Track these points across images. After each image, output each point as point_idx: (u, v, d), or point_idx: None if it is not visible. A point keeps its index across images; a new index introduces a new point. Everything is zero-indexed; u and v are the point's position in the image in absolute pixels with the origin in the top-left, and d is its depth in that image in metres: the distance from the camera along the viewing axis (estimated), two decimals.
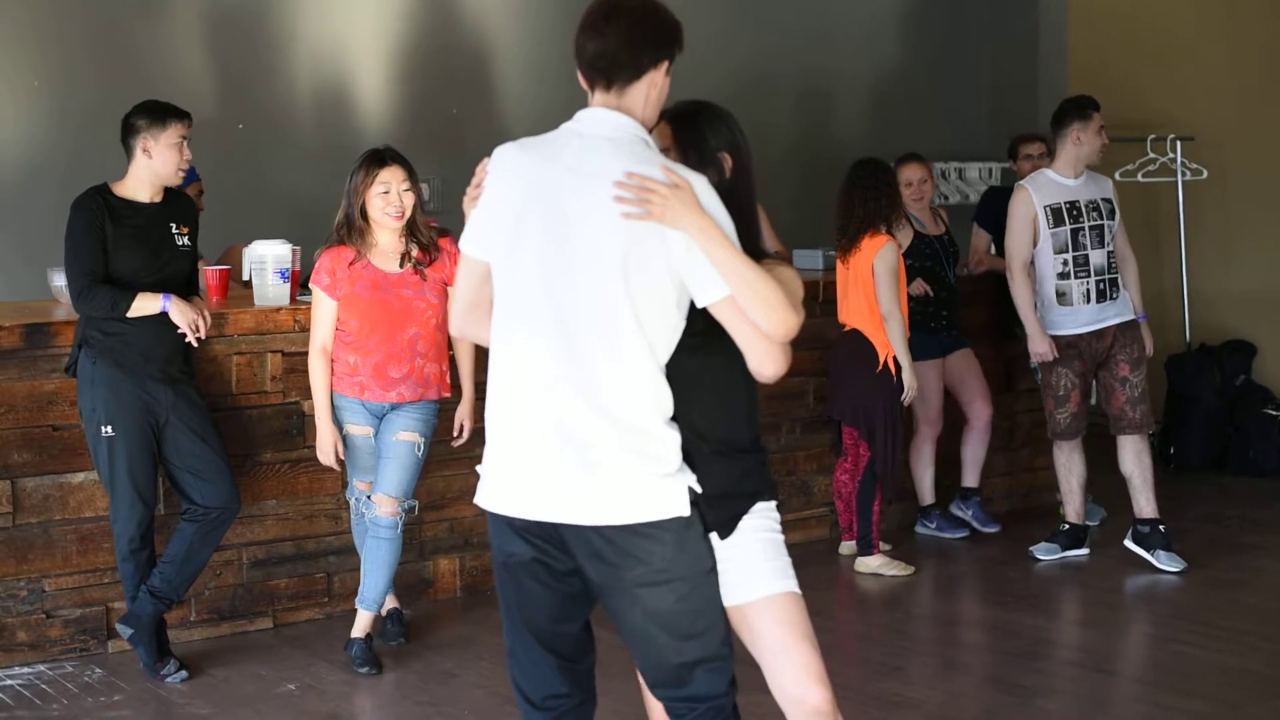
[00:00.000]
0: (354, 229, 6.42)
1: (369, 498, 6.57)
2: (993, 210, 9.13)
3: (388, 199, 6.39)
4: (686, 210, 3.57)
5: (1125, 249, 8.16)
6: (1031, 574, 8.01)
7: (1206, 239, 11.00)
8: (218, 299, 7.13)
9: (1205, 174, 10.72)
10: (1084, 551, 8.16)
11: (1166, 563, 7.87)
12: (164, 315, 6.25)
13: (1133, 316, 8.05)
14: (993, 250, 9.11)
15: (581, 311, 3.60)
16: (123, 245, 6.25)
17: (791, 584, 3.91)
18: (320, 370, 6.46)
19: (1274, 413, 10.29)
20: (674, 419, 3.69)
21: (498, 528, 3.77)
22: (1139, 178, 10.68)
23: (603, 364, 3.59)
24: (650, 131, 3.77)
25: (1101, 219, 8.01)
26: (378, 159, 6.44)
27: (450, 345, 6.65)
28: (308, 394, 6.95)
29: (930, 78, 11.38)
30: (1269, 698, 6.15)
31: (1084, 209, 7.99)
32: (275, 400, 6.98)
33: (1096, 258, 7.98)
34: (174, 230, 6.38)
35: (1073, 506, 8.20)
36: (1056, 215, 7.98)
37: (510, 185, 3.72)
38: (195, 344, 6.37)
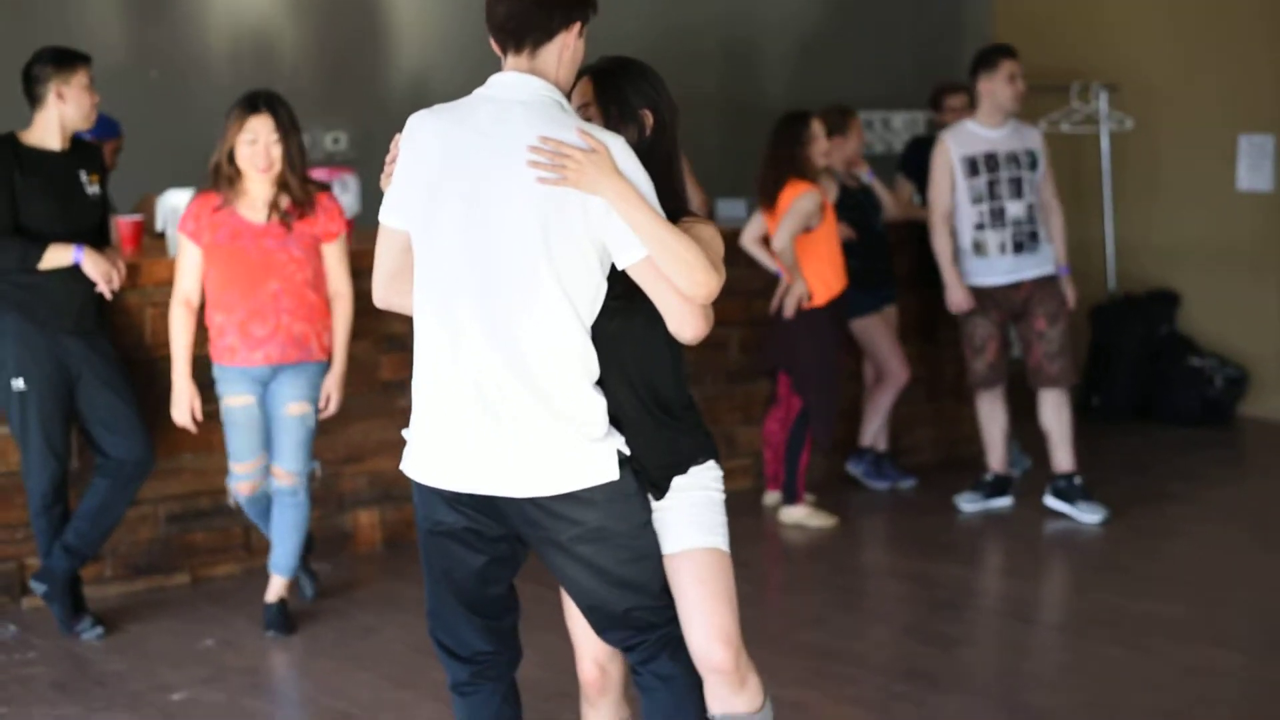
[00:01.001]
0: (222, 176, 6.19)
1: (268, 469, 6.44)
2: (916, 160, 9.13)
3: (254, 149, 6.15)
4: (602, 174, 3.53)
5: (1051, 201, 8.13)
6: (954, 524, 8.02)
7: (1131, 189, 11.01)
8: (131, 250, 7.02)
9: (1130, 124, 10.73)
10: (1007, 501, 8.17)
11: (1088, 513, 7.89)
12: (76, 267, 6.14)
13: (1053, 270, 8.03)
14: (916, 199, 9.10)
15: (503, 277, 3.56)
16: (33, 195, 6.14)
17: (715, 540, 3.86)
18: (181, 323, 6.26)
19: (1197, 363, 10.34)
20: (599, 383, 3.67)
21: (424, 496, 3.75)
22: (1063, 127, 10.68)
23: (527, 329, 3.56)
24: (568, 94, 3.72)
25: (1020, 170, 7.98)
26: (250, 105, 6.19)
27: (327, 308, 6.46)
28: None
29: (855, 25, 11.33)
30: (1188, 642, 6.18)
31: (1002, 160, 7.97)
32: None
33: (1014, 209, 7.97)
34: (84, 179, 6.27)
35: (995, 456, 8.22)
36: (973, 166, 7.97)
37: (424, 152, 3.68)
38: (109, 296, 6.26)
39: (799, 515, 7.91)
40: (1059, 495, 8.01)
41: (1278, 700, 5.68)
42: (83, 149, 6.34)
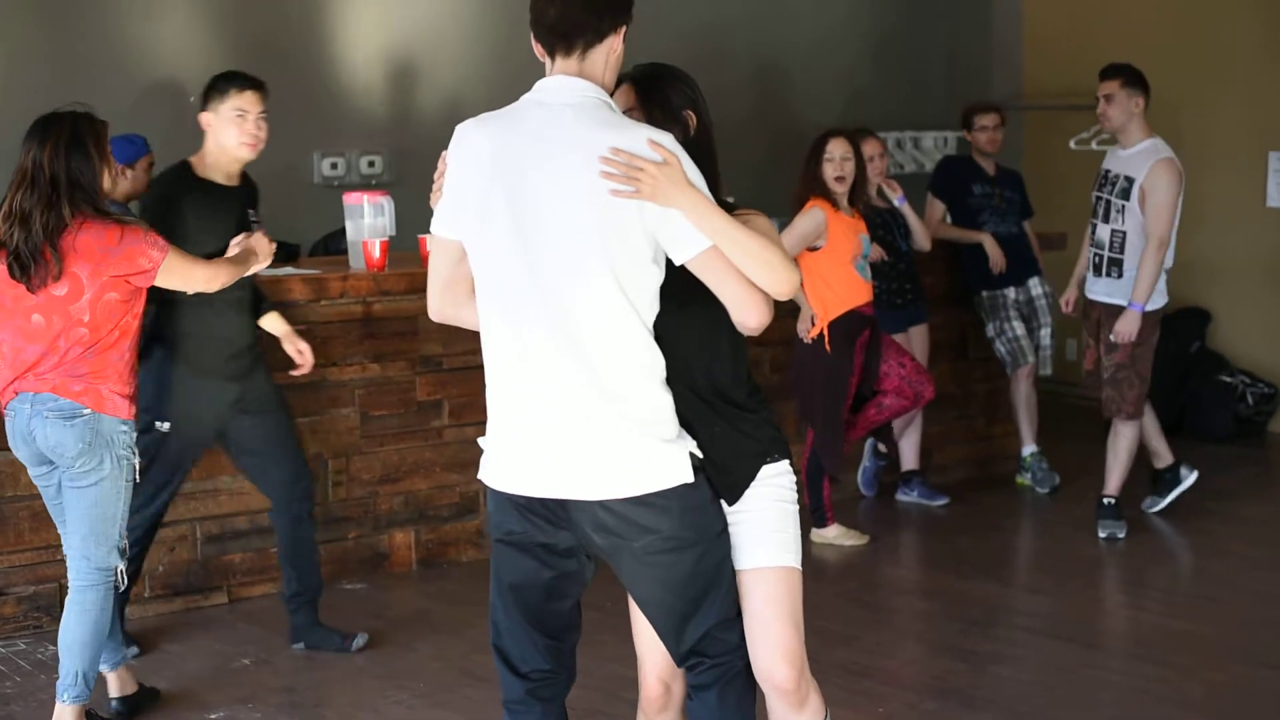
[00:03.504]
0: None
1: None
2: (947, 180, 9.15)
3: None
4: (675, 186, 3.56)
5: (1147, 230, 7.82)
6: (987, 542, 8.03)
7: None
8: None
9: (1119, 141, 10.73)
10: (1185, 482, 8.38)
11: (1101, 529, 7.92)
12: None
13: (1123, 301, 7.88)
14: (948, 219, 9.12)
15: (560, 280, 3.59)
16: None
17: (787, 558, 3.88)
18: None
19: (1228, 379, 10.34)
20: (666, 381, 3.70)
21: (498, 504, 3.77)
22: (1093, 145, 10.68)
23: (590, 332, 3.59)
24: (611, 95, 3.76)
25: (1113, 194, 7.94)
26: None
27: None
28: None
29: (886, 47, 11.37)
30: (1224, 662, 6.19)
31: (1110, 180, 7.98)
32: None
33: (1100, 231, 7.97)
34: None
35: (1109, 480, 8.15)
36: (1099, 180, 8.08)
37: (474, 161, 3.70)
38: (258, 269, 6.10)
39: (831, 535, 7.94)
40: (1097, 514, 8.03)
41: None
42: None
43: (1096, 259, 7.98)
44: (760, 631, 3.85)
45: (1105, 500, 8.02)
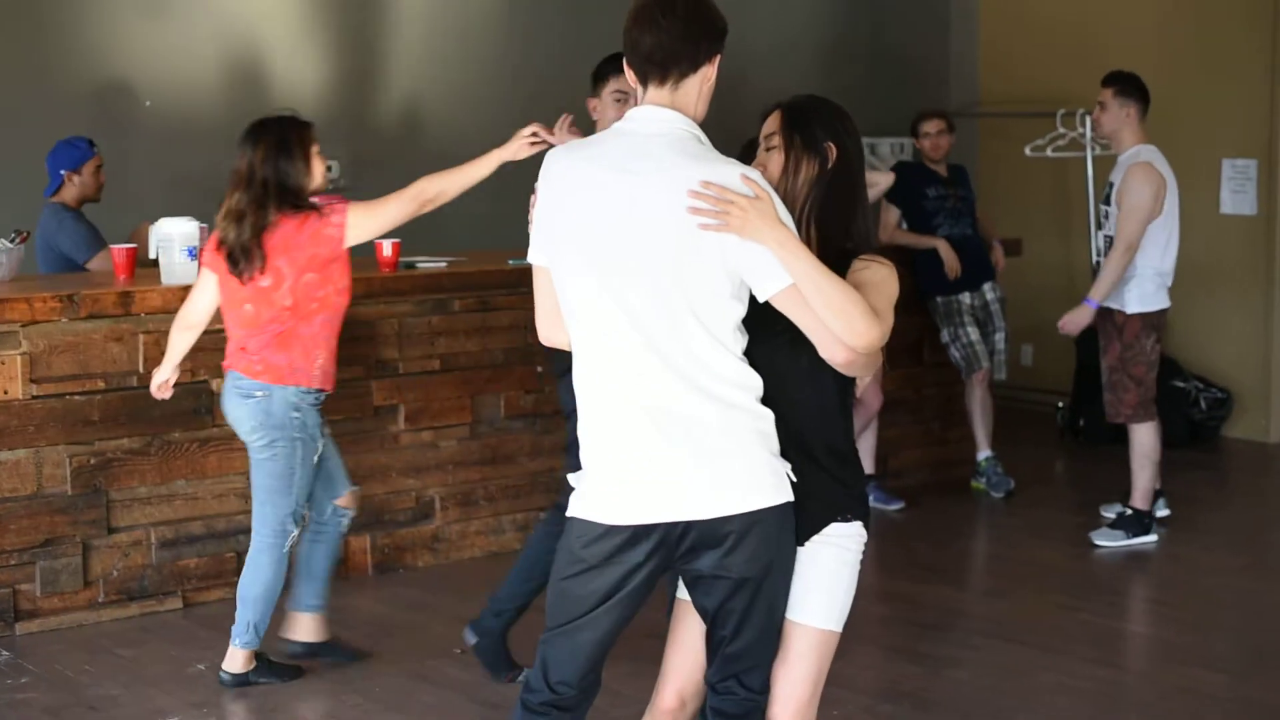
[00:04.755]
0: None
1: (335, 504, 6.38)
2: (900, 184, 9.18)
3: None
4: (765, 223, 3.55)
5: (1116, 231, 7.90)
6: (942, 546, 8.07)
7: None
8: (125, 277, 7.06)
9: (1114, 149, 10.80)
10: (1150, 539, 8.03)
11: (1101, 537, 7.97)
12: None
13: (1112, 305, 7.93)
14: (903, 225, 9.15)
15: (644, 307, 3.59)
16: None
17: (831, 621, 3.86)
18: None
19: (1182, 385, 10.40)
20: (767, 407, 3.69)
21: (599, 534, 3.69)
22: (1048, 152, 10.74)
23: (679, 352, 3.58)
24: (703, 126, 3.76)
25: (1104, 202, 8.04)
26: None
27: None
28: (216, 373, 6.93)
29: (842, 54, 11.40)
30: (1177, 666, 6.23)
31: (1109, 187, 8.06)
32: (184, 379, 6.88)
33: (1098, 239, 8.05)
34: None
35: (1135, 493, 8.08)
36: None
37: (560, 190, 3.72)
38: None
39: None
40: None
41: None
42: None
43: (1095, 265, 8.04)
44: (781, 680, 3.86)
45: (1122, 511, 8.02)
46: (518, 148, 5.81)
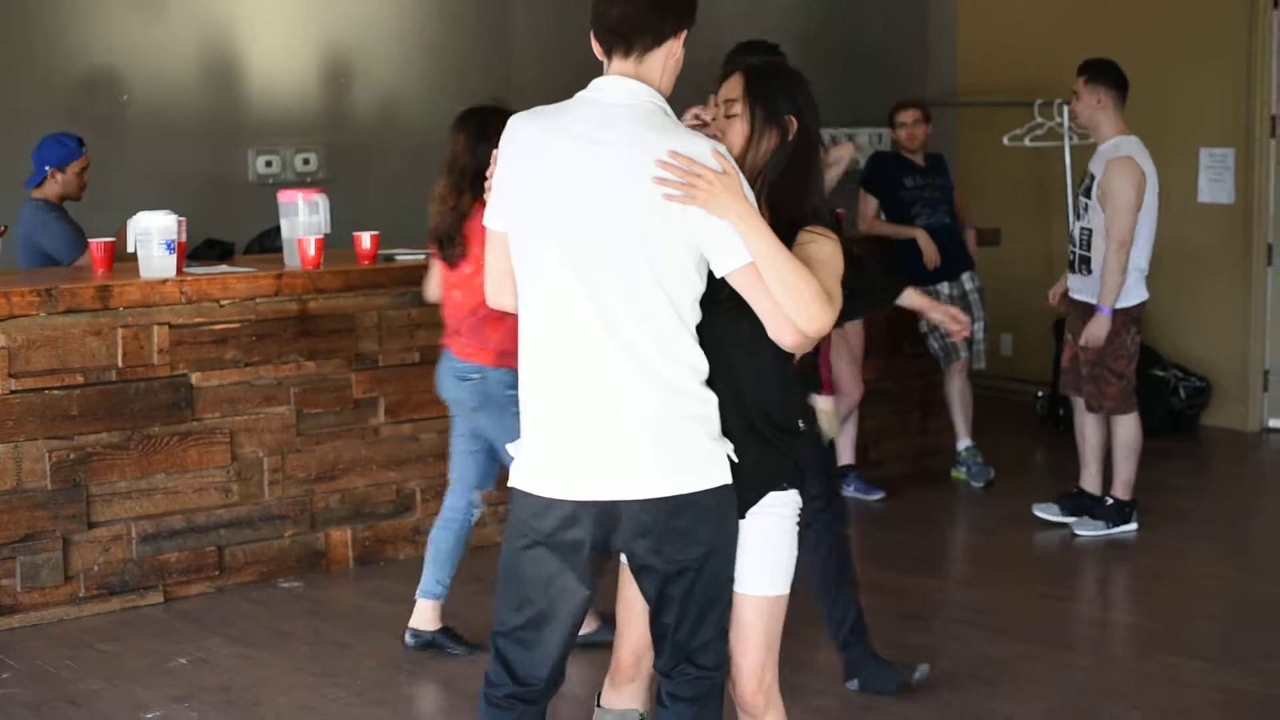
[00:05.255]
0: None
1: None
2: (879, 174, 9.20)
3: None
4: (730, 199, 3.56)
5: (1107, 232, 7.80)
6: (922, 536, 8.08)
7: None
8: (103, 271, 7.05)
9: (1091, 138, 10.82)
10: (1131, 528, 8.02)
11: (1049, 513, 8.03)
12: None
13: (1092, 299, 7.88)
14: (881, 215, 9.16)
15: (605, 278, 3.59)
16: None
17: (780, 587, 3.89)
18: None
19: (1161, 374, 10.42)
20: (710, 384, 3.70)
21: (540, 507, 3.70)
22: (1026, 142, 10.77)
23: (633, 329, 3.59)
24: (669, 100, 3.75)
25: (1083, 193, 7.99)
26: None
27: None
28: (195, 366, 6.95)
29: (819, 45, 11.40)
30: (1156, 653, 6.25)
31: (1088, 179, 8.01)
32: (163, 373, 6.92)
33: (1073, 228, 8.03)
34: None
35: (1085, 471, 8.15)
36: (1080, 178, 8.17)
37: (523, 155, 3.71)
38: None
39: None
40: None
41: (1243, 709, 5.76)
42: None
43: (1070, 256, 8.01)
44: (739, 650, 3.89)
45: (1105, 498, 8.03)
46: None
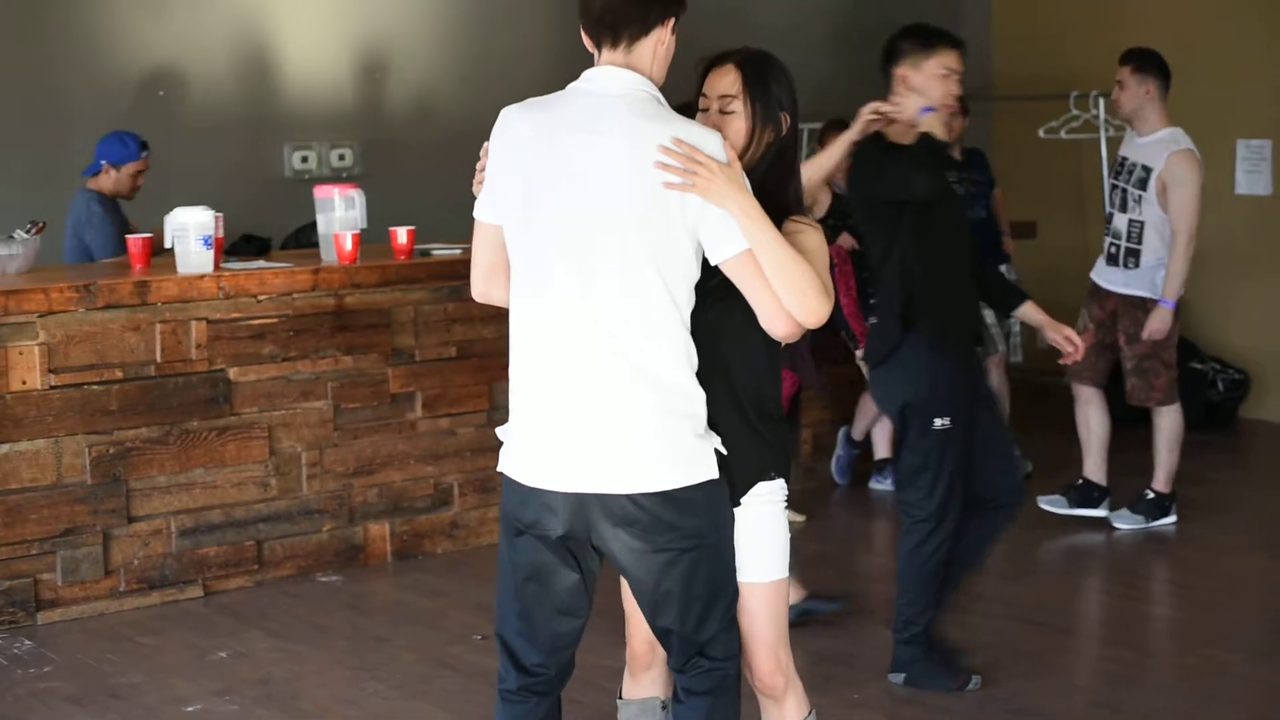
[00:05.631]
0: None
1: None
2: None
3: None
4: (732, 189, 3.57)
5: (1175, 229, 7.70)
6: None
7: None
8: (141, 267, 7.08)
9: (1130, 131, 10.79)
10: (1097, 511, 8.00)
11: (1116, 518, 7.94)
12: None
13: (1143, 293, 7.79)
14: None
15: (602, 269, 3.59)
16: None
17: (779, 571, 3.91)
18: None
19: (1199, 366, 10.38)
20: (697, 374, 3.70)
21: (522, 495, 3.73)
22: (1062, 134, 10.73)
23: (628, 321, 3.59)
24: (659, 87, 3.75)
25: (1130, 184, 7.86)
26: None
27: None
28: (233, 361, 6.97)
29: (851, 37, 11.38)
30: (1195, 646, 6.23)
31: (1127, 169, 7.89)
32: (201, 368, 6.94)
33: (1117, 221, 7.90)
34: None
35: (1089, 461, 8.08)
36: (1116, 167, 8.03)
37: (517, 147, 3.70)
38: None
39: None
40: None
41: None
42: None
43: (1113, 248, 7.91)
44: (749, 637, 3.90)
45: (1146, 492, 7.96)
46: (862, 126, 5.67)
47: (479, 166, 3.82)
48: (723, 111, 3.86)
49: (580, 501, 3.65)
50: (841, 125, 8.60)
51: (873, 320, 5.79)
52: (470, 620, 6.57)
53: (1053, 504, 8.06)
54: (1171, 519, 7.89)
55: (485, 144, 3.79)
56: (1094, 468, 8.06)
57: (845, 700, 5.66)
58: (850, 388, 8.86)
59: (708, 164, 3.55)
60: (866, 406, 8.70)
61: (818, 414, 8.64)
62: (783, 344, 3.83)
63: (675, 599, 3.73)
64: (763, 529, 3.87)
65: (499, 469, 3.79)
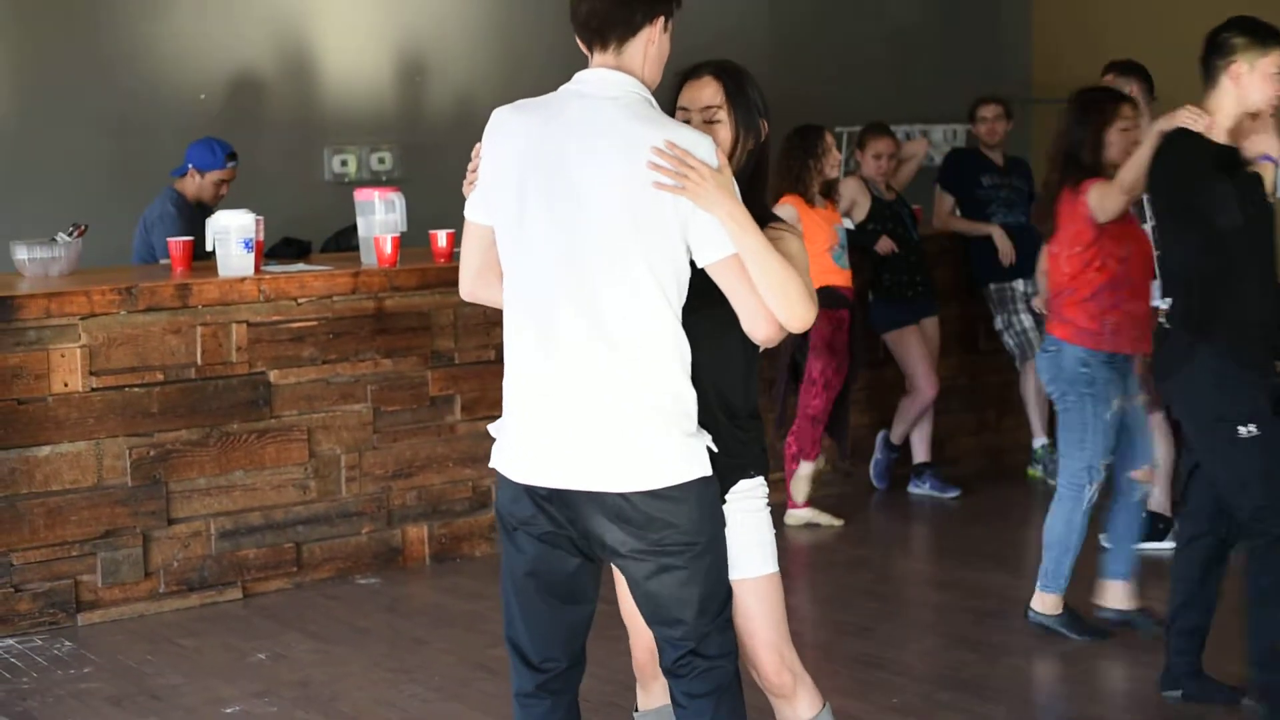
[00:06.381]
0: None
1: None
2: (955, 172, 9.16)
3: None
4: (722, 194, 3.57)
5: None
6: (999, 534, 8.04)
7: None
8: (182, 269, 7.11)
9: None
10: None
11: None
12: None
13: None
14: (957, 212, 9.13)
15: (597, 270, 3.58)
16: None
17: (771, 565, 3.90)
18: None
19: None
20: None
21: (514, 492, 3.74)
22: None
23: (623, 321, 3.59)
24: (654, 90, 3.74)
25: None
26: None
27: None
28: (273, 364, 6.99)
29: (894, 40, 11.38)
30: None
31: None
32: (241, 371, 6.97)
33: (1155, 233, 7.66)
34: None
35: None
36: None
37: (509, 148, 3.70)
38: None
39: (804, 516, 8.04)
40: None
41: None
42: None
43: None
44: (748, 634, 3.89)
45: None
46: (1175, 124, 5.55)
47: (470, 167, 3.83)
48: (708, 122, 3.85)
49: (574, 498, 3.66)
50: (881, 129, 8.65)
51: (1163, 326, 5.52)
52: None
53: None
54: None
55: (477, 145, 3.80)
56: (1158, 498, 7.83)
57: (884, 705, 5.65)
58: (889, 392, 8.86)
59: (699, 169, 3.55)
60: (906, 410, 8.69)
61: (857, 418, 8.61)
62: (761, 348, 3.83)
63: (670, 596, 3.72)
64: (748, 525, 3.86)
65: (491, 464, 3.79)
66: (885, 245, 8.33)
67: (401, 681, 6.03)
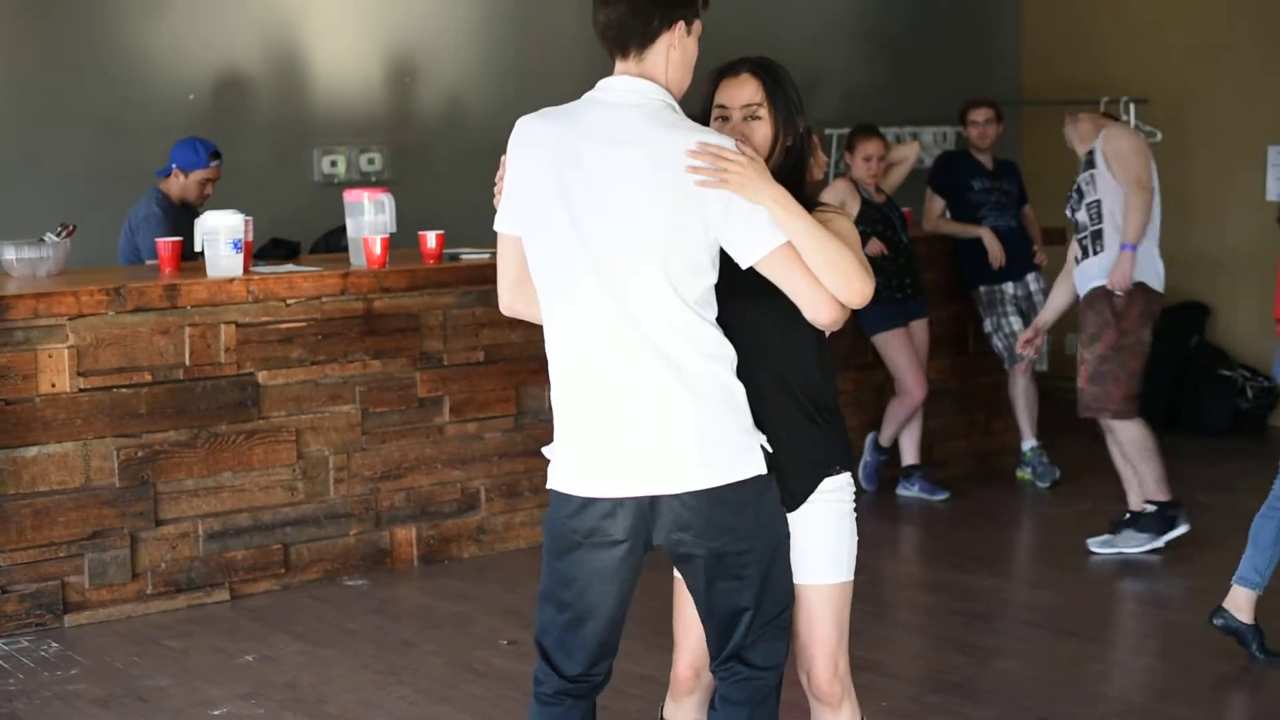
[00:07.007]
0: None
1: None
2: (946, 174, 9.17)
3: None
4: (763, 181, 3.57)
5: (1124, 184, 7.52)
6: (988, 536, 8.05)
7: (1161, 200, 11.03)
8: (170, 270, 7.09)
9: (1159, 136, 10.76)
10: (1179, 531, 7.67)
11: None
12: None
13: (1102, 281, 7.44)
14: (947, 215, 9.14)
15: (628, 276, 3.58)
16: None
17: (844, 573, 3.90)
18: None
19: (1228, 373, 10.35)
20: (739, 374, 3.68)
21: (576, 508, 3.70)
22: None
23: (653, 325, 3.58)
24: (679, 96, 3.74)
25: (1081, 173, 7.68)
26: None
27: None
28: (262, 365, 6.98)
29: (884, 42, 11.38)
30: (1227, 655, 6.19)
31: (1082, 164, 7.71)
32: (229, 372, 6.96)
33: (1079, 215, 7.61)
34: None
35: (1132, 494, 7.70)
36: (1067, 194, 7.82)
37: (534, 156, 3.70)
38: None
39: None
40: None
41: None
42: None
43: (1082, 242, 7.55)
44: (808, 638, 3.89)
45: (1147, 506, 7.61)
46: None
47: (497, 177, 3.82)
48: (748, 119, 3.84)
49: (637, 505, 3.65)
50: (870, 131, 8.65)
51: None
52: (496, 625, 6.57)
53: (1104, 545, 7.71)
54: (1183, 529, 7.70)
55: (503, 156, 3.79)
56: (1138, 498, 7.81)
57: (873, 708, 5.64)
58: (878, 394, 8.87)
59: (737, 159, 3.55)
60: (894, 413, 8.69)
61: (846, 420, 8.59)
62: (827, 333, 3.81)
63: (725, 602, 3.72)
64: (829, 527, 3.85)
65: (549, 486, 3.76)
66: (875, 247, 8.33)
67: (389, 683, 6.02)
